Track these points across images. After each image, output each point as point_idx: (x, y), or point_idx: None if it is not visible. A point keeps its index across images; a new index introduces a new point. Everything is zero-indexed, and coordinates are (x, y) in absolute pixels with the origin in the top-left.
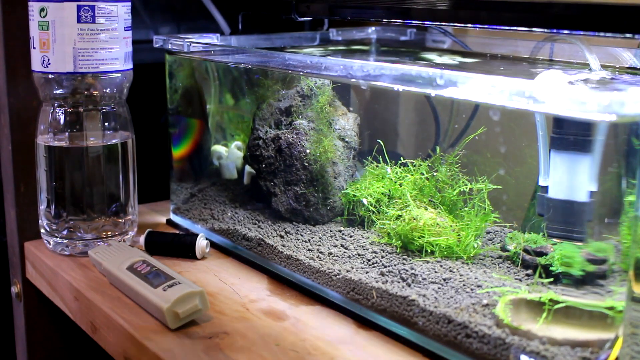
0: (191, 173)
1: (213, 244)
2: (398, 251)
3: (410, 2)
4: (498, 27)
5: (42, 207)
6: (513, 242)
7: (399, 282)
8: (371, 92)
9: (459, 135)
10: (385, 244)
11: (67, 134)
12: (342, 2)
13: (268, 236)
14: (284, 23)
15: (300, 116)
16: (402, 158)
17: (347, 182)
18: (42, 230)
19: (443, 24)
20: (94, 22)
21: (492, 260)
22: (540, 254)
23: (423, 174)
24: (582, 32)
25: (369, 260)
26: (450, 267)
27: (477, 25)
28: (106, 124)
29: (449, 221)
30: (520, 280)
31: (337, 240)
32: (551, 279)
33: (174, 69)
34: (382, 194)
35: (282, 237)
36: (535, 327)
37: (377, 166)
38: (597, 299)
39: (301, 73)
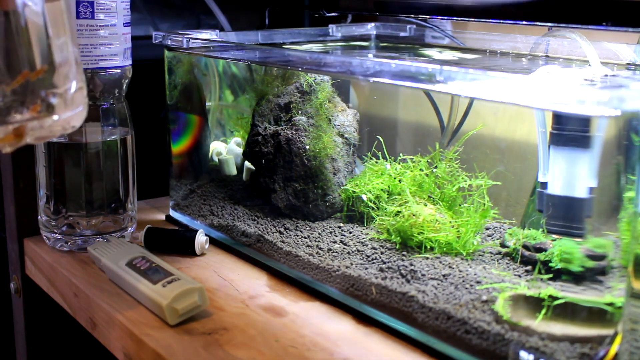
0: (190, 169)
1: (212, 240)
2: (397, 247)
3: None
4: (497, 21)
5: (42, 203)
6: (512, 238)
7: (398, 278)
8: (370, 88)
9: (454, 130)
10: (384, 240)
11: None
12: None
13: (267, 232)
14: (305, 18)
15: (299, 112)
16: (400, 155)
17: (347, 178)
18: (42, 227)
19: (489, 20)
20: (93, 17)
21: (491, 256)
22: (540, 250)
23: (422, 170)
24: (581, 26)
25: (369, 257)
26: (449, 263)
27: (481, 20)
28: (105, 120)
29: (449, 217)
30: (519, 276)
31: (336, 236)
32: (550, 275)
33: (173, 64)
34: (382, 190)
35: (281, 233)
36: (534, 323)
37: (376, 162)
38: (596, 295)
39: (300, 69)
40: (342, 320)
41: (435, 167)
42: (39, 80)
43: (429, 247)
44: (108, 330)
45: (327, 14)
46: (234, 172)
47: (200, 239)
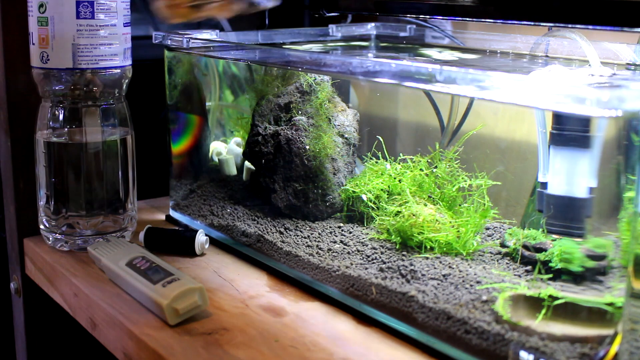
0: (190, 169)
1: (212, 240)
2: (397, 247)
3: None
4: (497, 21)
5: (42, 203)
6: (512, 238)
7: (398, 278)
8: (371, 87)
9: (454, 130)
10: (384, 240)
11: (66, 130)
12: None
13: (267, 232)
14: (305, 18)
15: (299, 112)
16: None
17: (347, 178)
18: (42, 227)
19: (489, 20)
20: (93, 18)
21: (491, 256)
22: (540, 250)
23: (422, 170)
24: (581, 26)
25: (369, 257)
26: (449, 263)
27: (481, 20)
28: (105, 120)
29: (449, 217)
30: (519, 276)
31: (336, 236)
32: (550, 275)
33: (173, 65)
34: (382, 190)
35: (281, 233)
36: (534, 323)
37: (376, 162)
38: (596, 295)
39: (300, 69)
40: (342, 320)
41: (435, 167)
42: None
43: (429, 247)
44: (108, 330)
45: (327, 14)
46: (234, 172)
47: (200, 239)
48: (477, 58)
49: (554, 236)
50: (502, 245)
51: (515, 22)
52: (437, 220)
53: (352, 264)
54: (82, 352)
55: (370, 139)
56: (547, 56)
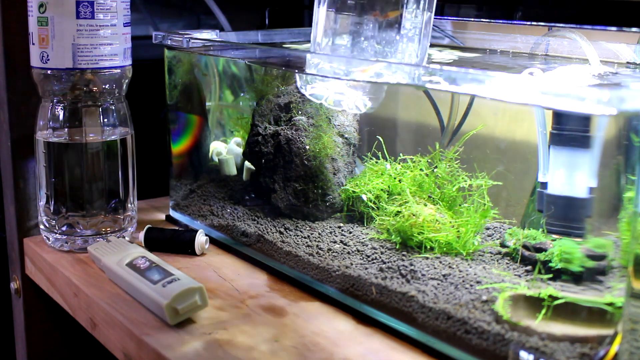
0: (190, 169)
1: (212, 240)
2: (397, 247)
3: None
4: (497, 21)
5: (42, 203)
6: (512, 238)
7: (398, 278)
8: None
9: (454, 130)
10: (384, 240)
11: (66, 129)
12: None
13: (267, 232)
14: (305, 18)
15: (299, 112)
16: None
17: (347, 178)
18: (42, 226)
19: (489, 20)
20: (93, 17)
21: (491, 256)
22: (540, 250)
23: (422, 170)
24: (581, 26)
25: (369, 257)
26: (449, 263)
27: (481, 20)
28: (105, 120)
29: (449, 217)
30: (519, 276)
31: (336, 236)
32: (550, 275)
33: (173, 64)
34: (382, 190)
35: (281, 233)
36: (534, 323)
37: (376, 162)
38: (596, 295)
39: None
40: (342, 320)
41: (435, 167)
42: None
43: (429, 247)
44: (108, 330)
45: None
46: (234, 172)
47: (200, 239)
48: (477, 57)
49: (554, 236)
50: (502, 245)
51: (515, 22)
52: (437, 220)
53: (352, 264)
54: (82, 352)
55: (370, 139)
56: (547, 56)
